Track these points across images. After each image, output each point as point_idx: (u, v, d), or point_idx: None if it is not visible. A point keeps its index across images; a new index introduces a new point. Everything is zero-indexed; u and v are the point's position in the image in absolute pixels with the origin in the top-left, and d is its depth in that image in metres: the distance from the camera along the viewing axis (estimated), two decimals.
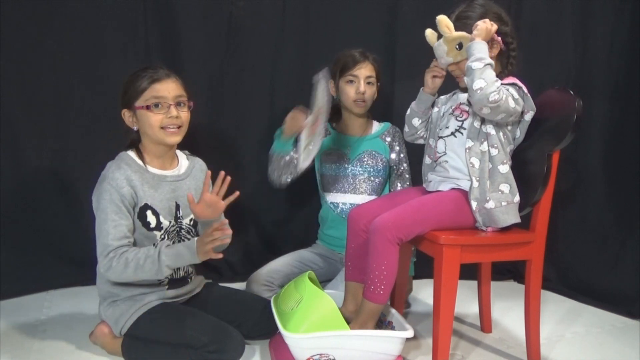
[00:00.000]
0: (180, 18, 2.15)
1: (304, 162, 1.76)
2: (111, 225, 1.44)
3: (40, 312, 1.92)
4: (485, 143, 1.50)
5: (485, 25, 1.47)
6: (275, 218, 2.37)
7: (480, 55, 1.43)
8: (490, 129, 1.50)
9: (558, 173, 1.52)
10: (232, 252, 2.27)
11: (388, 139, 2.05)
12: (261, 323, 1.64)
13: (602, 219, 2.25)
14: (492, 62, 1.44)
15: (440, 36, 1.55)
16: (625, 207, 2.19)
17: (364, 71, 1.94)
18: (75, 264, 2.10)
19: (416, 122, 1.71)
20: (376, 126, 2.09)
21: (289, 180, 1.96)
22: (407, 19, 2.27)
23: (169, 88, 1.52)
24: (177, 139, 1.55)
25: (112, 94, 2.04)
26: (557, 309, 2.10)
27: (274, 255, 2.07)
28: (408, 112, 1.73)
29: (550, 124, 1.51)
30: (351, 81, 1.95)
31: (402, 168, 2.06)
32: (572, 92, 1.49)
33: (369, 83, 1.96)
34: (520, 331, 1.67)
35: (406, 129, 1.76)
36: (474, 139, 1.51)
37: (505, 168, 1.50)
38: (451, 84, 1.71)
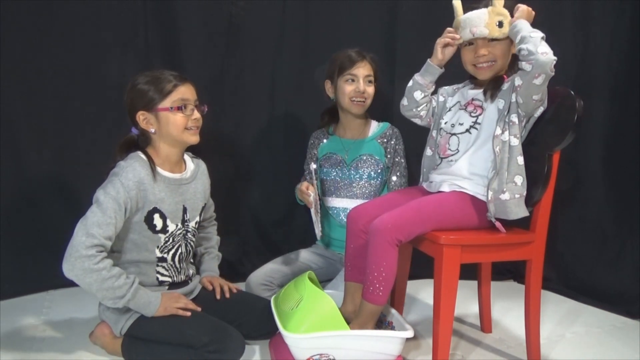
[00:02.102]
0: (180, 18, 2.15)
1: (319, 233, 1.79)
2: (105, 221, 1.41)
3: (40, 312, 1.92)
4: (507, 132, 1.49)
5: (528, 8, 1.48)
6: (275, 218, 2.38)
7: (534, 29, 1.42)
8: (514, 117, 1.49)
9: (558, 173, 1.52)
10: (232, 252, 2.27)
11: (384, 141, 2.02)
12: (261, 323, 1.64)
13: (602, 219, 2.25)
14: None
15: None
16: (625, 207, 2.19)
17: (363, 70, 1.93)
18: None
19: (418, 95, 1.68)
20: (374, 127, 2.06)
21: None
22: (407, 19, 2.28)
23: (190, 91, 1.56)
24: (197, 138, 1.59)
25: (112, 93, 2.06)
26: (557, 309, 2.10)
27: (274, 255, 2.07)
28: (410, 83, 1.69)
29: (550, 124, 1.51)
30: (350, 80, 1.94)
31: (398, 167, 2.02)
32: (572, 92, 1.49)
33: (368, 82, 1.95)
34: (520, 331, 1.67)
35: (404, 102, 1.72)
36: (502, 126, 1.50)
37: (522, 160, 1.49)
38: (454, 78, 1.71)
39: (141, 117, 1.53)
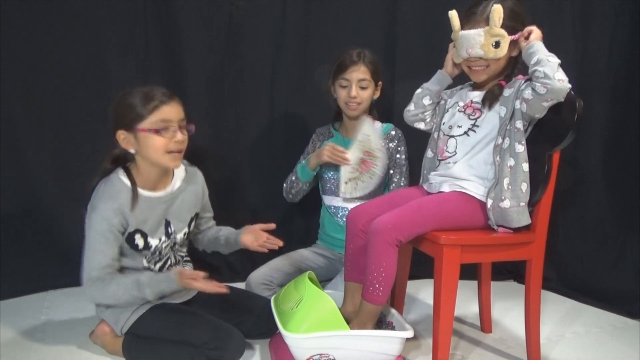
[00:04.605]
0: (180, 18, 2.15)
1: (347, 194, 1.89)
2: (97, 256, 1.47)
3: (40, 312, 1.92)
4: (507, 140, 1.49)
5: (538, 30, 1.48)
6: (275, 218, 2.37)
7: (551, 54, 1.42)
8: (519, 124, 1.49)
9: (558, 173, 1.52)
10: (232, 252, 2.27)
11: (387, 142, 2.01)
12: (261, 322, 1.64)
13: (602, 219, 2.25)
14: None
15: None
16: (625, 207, 2.19)
17: (356, 74, 1.92)
18: (75, 264, 2.09)
19: (427, 100, 1.70)
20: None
21: (298, 200, 2.10)
22: (407, 19, 2.28)
23: (174, 111, 1.47)
24: (178, 163, 1.52)
25: (112, 93, 2.04)
26: (557, 309, 2.10)
27: (274, 255, 2.06)
28: (419, 90, 1.72)
29: (550, 124, 1.51)
30: (344, 84, 1.94)
31: (400, 168, 2.01)
32: (572, 92, 1.49)
33: (362, 87, 1.93)
34: (520, 331, 1.67)
35: (411, 107, 1.73)
36: (502, 135, 1.50)
37: (527, 166, 1.48)
38: (456, 78, 1.72)
39: (121, 136, 1.47)
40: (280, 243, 1.62)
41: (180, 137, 1.48)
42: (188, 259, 1.75)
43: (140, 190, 1.51)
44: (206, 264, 2.16)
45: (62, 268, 2.10)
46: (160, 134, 1.44)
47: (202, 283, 1.44)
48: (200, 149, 2.20)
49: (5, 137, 2.02)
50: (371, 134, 1.88)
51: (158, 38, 2.17)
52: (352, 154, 1.89)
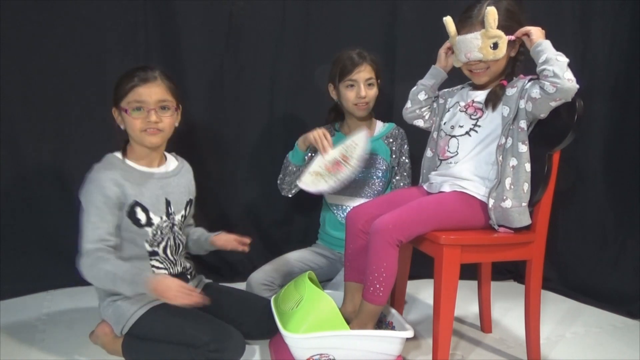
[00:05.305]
0: (180, 18, 2.15)
1: (305, 184, 1.80)
2: (89, 227, 1.46)
3: (40, 312, 1.92)
4: (510, 139, 1.49)
5: (538, 29, 1.48)
6: (275, 218, 2.37)
7: (559, 52, 1.41)
8: (523, 123, 1.48)
9: (558, 173, 1.52)
10: (233, 252, 2.26)
11: (390, 141, 2.03)
12: (261, 323, 1.64)
13: (602, 218, 2.25)
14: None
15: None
16: (625, 207, 2.19)
17: (363, 74, 1.92)
18: (75, 264, 2.10)
19: (422, 96, 1.71)
20: (380, 127, 2.06)
21: (292, 192, 2.02)
22: (407, 19, 2.28)
23: (151, 92, 1.50)
24: (156, 140, 1.54)
25: (112, 93, 2.06)
26: (557, 309, 2.10)
27: (274, 255, 2.07)
28: (414, 87, 1.73)
29: (550, 124, 1.51)
30: (351, 85, 1.93)
31: (403, 167, 2.03)
32: None
33: (369, 85, 1.94)
34: (520, 331, 1.67)
35: (408, 104, 1.74)
36: (506, 134, 1.50)
37: (529, 166, 1.48)
38: (455, 79, 1.72)
39: (115, 112, 1.56)
40: (248, 240, 1.68)
41: (153, 118, 1.50)
42: (188, 255, 1.74)
43: (135, 165, 1.57)
44: (206, 264, 2.16)
45: (62, 268, 2.10)
46: (129, 113, 1.51)
47: (176, 296, 1.36)
48: (200, 148, 2.21)
49: (5, 137, 2.02)
50: (360, 144, 1.81)
51: (158, 38, 2.17)
52: (332, 151, 1.81)
